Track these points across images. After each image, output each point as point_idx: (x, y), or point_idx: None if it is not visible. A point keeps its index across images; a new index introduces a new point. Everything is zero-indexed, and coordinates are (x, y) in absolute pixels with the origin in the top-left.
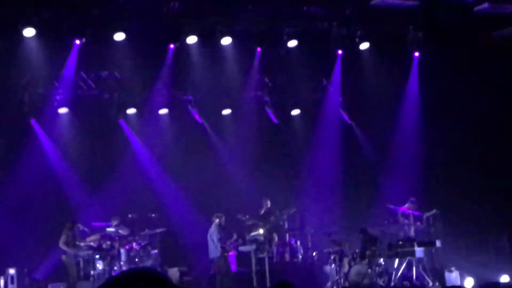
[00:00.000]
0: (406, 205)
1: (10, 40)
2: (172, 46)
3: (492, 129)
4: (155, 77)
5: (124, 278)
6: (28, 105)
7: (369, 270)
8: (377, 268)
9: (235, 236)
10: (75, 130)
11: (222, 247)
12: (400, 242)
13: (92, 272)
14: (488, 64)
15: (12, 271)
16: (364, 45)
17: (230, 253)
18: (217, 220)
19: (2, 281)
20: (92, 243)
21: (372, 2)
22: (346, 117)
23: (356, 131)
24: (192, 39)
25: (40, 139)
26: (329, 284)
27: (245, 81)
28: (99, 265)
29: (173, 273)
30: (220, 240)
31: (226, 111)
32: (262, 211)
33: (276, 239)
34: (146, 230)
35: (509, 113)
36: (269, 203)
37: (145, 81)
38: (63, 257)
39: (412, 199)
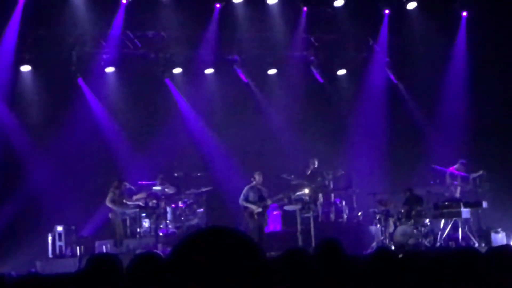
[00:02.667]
0: (456, 166)
1: None
2: (218, 5)
3: None
4: (201, 37)
5: (206, 234)
6: (75, 64)
7: (415, 230)
8: (422, 228)
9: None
10: (122, 89)
11: (244, 207)
12: (446, 203)
13: (138, 230)
14: None
15: (60, 228)
16: (412, 4)
17: (275, 212)
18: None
19: (50, 238)
20: (138, 202)
21: None
22: (392, 77)
23: (403, 91)
24: None
25: (87, 98)
26: (374, 244)
27: (291, 41)
28: (145, 223)
29: None
30: (245, 199)
31: (272, 71)
32: (309, 171)
33: (321, 199)
34: (192, 189)
35: None
36: (316, 163)
37: (191, 41)
38: (110, 215)
39: (462, 160)
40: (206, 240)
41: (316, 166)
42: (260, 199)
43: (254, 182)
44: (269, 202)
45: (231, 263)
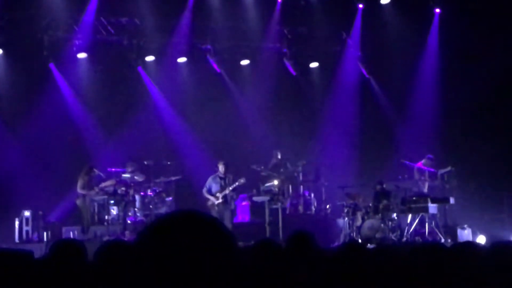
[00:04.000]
0: (423, 162)
1: None
2: None
3: None
4: (175, 25)
5: (174, 218)
6: (48, 49)
7: (382, 224)
8: (390, 222)
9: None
10: (94, 75)
11: (206, 198)
12: (414, 198)
13: (106, 217)
14: (509, 21)
15: (27, 213)
16: (386, 0)
17: (244, 203)
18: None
19: (17, 223)
20: (107, 189)
21: None
22: (364, 71)
23: (374, 86)
24: None
25: (58, 83)
26: (341, 237)
27: (265, 32)
28: (113, 211)
29: None
30: (208, 191)
31: (245, 62)
32: (272, 163)
33: (290, 190)
34: (161, 177)
35: None
36: (279, 155)
37: (165, 29)
38: (78, 201)
39: (429, 155)
40: (174, 224)
41: (279, 157)
42: (222, 189)
43: (217, 172)
44: (227, 191)
45: (200, 248)
